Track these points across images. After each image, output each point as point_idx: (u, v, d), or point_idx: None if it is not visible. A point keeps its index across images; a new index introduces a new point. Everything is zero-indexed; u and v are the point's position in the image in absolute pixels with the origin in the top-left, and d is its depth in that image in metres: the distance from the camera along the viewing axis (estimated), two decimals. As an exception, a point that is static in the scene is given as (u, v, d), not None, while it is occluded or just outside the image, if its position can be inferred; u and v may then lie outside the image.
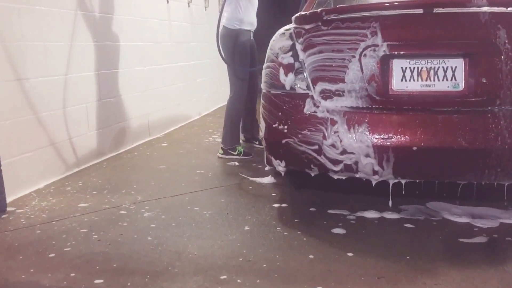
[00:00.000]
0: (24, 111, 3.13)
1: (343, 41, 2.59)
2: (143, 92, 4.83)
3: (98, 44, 4.00)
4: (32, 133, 3.21)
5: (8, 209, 2.79)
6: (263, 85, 2.83)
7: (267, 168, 3.74)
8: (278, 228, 2.50)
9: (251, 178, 3.45)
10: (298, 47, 2.68)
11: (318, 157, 2.57)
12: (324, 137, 2.54)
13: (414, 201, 2.83)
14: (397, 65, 2.52)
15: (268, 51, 2.82)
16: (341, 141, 2.50)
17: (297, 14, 2.75)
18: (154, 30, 5.11)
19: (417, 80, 2.51)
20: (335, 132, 2.52)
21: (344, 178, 2.62)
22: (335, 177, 2.63)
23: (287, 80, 2.69)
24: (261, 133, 2.83)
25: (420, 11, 2.50)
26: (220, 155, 4.21)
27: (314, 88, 2.63)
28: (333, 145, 2.53)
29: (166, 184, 3.33)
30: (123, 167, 3.82)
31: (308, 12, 2.71)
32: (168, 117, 5.44)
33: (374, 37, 2.53)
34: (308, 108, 2.61)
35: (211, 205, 2.87)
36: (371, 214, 2.66)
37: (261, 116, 2.82)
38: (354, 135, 2.49)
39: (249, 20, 4.08)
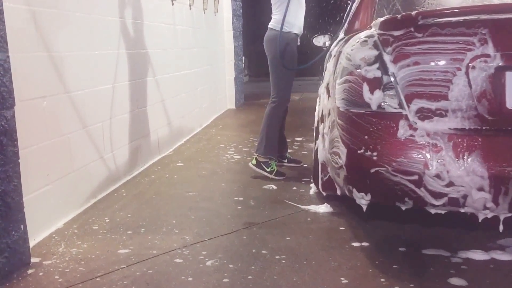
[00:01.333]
0: (43, 135, 2.58)
1: (444, 51, 2.18)
2: (152, 105, 4.30)
3: (109, 52, 3.46)
4: (50, 161, 2.65)
5: (32, 260, 2.24)
6: (340, 103, 2.38)
7: (311, 191, 3.30)
8: (382, 280, 2.05)
9: (302, 207, 3.00)
10: (387, 58, 2.25)
11: (417, 190, 2.14)
12: (426, 166, 2.11)
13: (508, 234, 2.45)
14: (510, 78, 2.13)
15: (345, 62, 2.38)
16: (448, 171, 2.09)
17: (383, 19, 2.32)
18: (161, 35, 4.58)
19: (537, 96, 2.12)
20: (439, 160, 2.10)
21: (443, 212, 2.21)
22: (433, 211, 2.22)
23: (374, 97, 2.25)
24: (339, 160, 2.37)
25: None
26: (252, 166, 3.80)
27: (408, 106, 2.20)
28: (437, 176, 2.10)
29: (208, 218, 2.83)
30: (147, 195, 3.29)
31: (398, 16, 2.28)
32: (174, 131, 4.92)
33: (484, 46, 2.13)
34: (403, 131, 2.18)
35: (279, 247, 2.40)
36: (478, 256, 2.24)
37: (339, 139, 2.37)
38: (464, 164, 2.08)
39: (298, 24, 3.72)
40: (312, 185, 3.44)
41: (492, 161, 2.06)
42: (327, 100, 2.69)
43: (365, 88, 2.28)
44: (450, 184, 2.09)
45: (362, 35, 2.38)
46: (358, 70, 2.30)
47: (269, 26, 3.80)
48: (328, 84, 2.78)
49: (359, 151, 2.25)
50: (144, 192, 3.36)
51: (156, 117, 4.37)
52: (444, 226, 2.59)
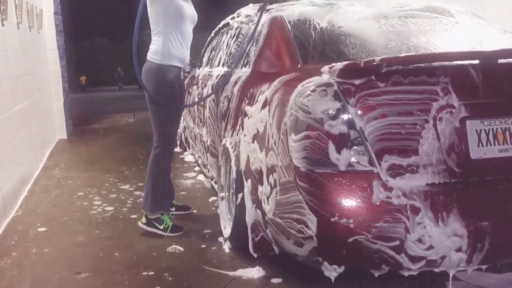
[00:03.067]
0: None
1: (411, 101, 2.02)
2: (-6, 156, 3.36)
3: None
4: None
5: None
6: (300, 162, 2.04)
7: (226, 248, 2.89)
8: None
9: (230, 273, 2.58)
10: (352, 110, 2.00)
11: (397, 256, 1.95)
12: (407, 230, 1.93)
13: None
14: (471, 127, 2.06)
15: (301, 115, 2.05)
16: (429, 235, 1.93)
17: (341, 65, 2.05)
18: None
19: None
20: (420, 223, 1.93)
21: (415, 273, 2.06)
22: (407, 274, 2.04)
23: (343, 155, 1.98)
24: (306, 230, 2.02)
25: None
26: (143, 225, 3.23)
27: (379, 163, 1.99)
28: (419, 240, 1.93)
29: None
30: (23, 285, 2.47)
31: (360, 63, 2.03)
32: (15, 182, 3.96)
33: (448, 96, 2.03)
34: (378, 192, 1.95)
35: None
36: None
37: (304, 204, 2.03)
38: (444, 225, 1.94)
39: (179, 55, 3.19)
40: (221, 239, 3.04)
41: (468, 218, 1.96)
42: (266, 154, 2.32)
43: (331, 145, 1.99)
44: (431, 247, 1.94)
45: (315, 82, 2.08)
46: (321, 125, 2.00)
47: (147, 57, 3.25)
48: (259, 135, 2.41)
49: (332, 219, 1.95)
50: (15, 284, 2.53)
51: (-2, 170, 3.42)
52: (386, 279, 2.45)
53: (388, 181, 1.98)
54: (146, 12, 3.11)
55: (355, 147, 1.99)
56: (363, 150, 1.99)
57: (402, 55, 2.11)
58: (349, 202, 1.95)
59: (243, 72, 3.02)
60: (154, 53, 3.17)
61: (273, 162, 2.26)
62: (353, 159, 1.98)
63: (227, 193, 3.17)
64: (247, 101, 2.67)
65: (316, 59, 2.51)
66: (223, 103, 3.16)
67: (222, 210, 3.15)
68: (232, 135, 2.84)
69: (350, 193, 1.96)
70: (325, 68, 2.11)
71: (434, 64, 2.05)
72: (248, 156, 2.55)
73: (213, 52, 4.34)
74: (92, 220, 3.48)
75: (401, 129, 2.00)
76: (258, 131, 2.43)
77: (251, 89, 2.67)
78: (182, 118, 5.51)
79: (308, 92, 2.07)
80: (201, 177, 4.62)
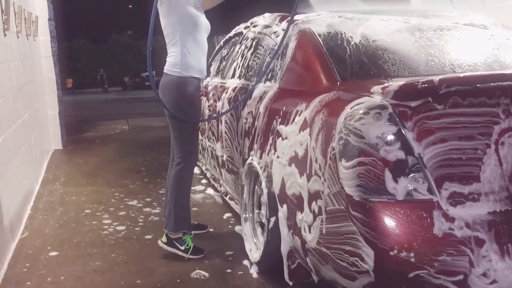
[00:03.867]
0: None
1: (471, 125, 1.89)
2: None
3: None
4: None
5: None
6: (353, 190, 1.90)
7: (253, 273, 2.75)
8: None
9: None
10: (409, 135, 1.87)
11: (458, 291, 1.82)
12: (472, 264, 1.80)
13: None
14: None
15: (353, 139, 1.91)
16: (494, 269, 1.80)
17: (397, 86, 1.92)
18: (-1, 79, 3.41)
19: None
20: (484, 256, 1.81)
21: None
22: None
23: (400, 183, 1.84)
24: (361, 263, 1.88)
25: None
26: (163, 245, 3.09)
27: (439, 192, 1.86)
28: (484, 274, 1.81)
29: None
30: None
31: (418, 83, 1.90)
32: (20, 199, 3.75)
33: (510, 118, 1.91)
34: (439, 224, 1.82)
35: None
36: None
37: (358, 236, 1.88)
38: (509, 258, 1.82)
39: (199, 66, 3.07)
40: (246, 262, 2.89)
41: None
42: (308, 180, 2.17)
43: (388, 173, 1.86)
44: (494, 281, 1.81)
45: (367, 104, 1.94)
46: (376, 151, 1.87)
47: (164, 70, 3.10)
48: (297, 158, 2.26)
49: (391, 253, 1.81)
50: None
51: (4, 191, 3.22)
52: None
53: (448, 210, 1.85)
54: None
55: (413, 174, 1.86)
56: (422, 177, 1.86)
57: (462, 75, 1.98)
58: (410, 234, 1.81)
59: (268, 87, 2.87)
60: (173, 65, 3.02)
61: (317, 188, 2.11)
62: (411, 187, 1.85)
63: (250, 214, 3.02)
64: (279, 120, 2.52)
65: (355, 76, 2.37)
66: (246, 119, 3.00)
67: (247, 232, 3.00)
68: (261, 155, 2.69)
69: (409, 224, 1.82)
70: (376, 88, 1.98)
71: (493, 84, 1.93)
72: (283, 179, 2.41)
73: (224, 62, 4.19)
74: (105, 242, 3.29)
75: (462, 155, 1.88)
76: (296, 154, 2.28)
77: (284, 107, 2.52)
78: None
79: (360, 115, 1.93)
80: (210, 191, 4.46)
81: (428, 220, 1.83)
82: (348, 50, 2.53)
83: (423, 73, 2.35)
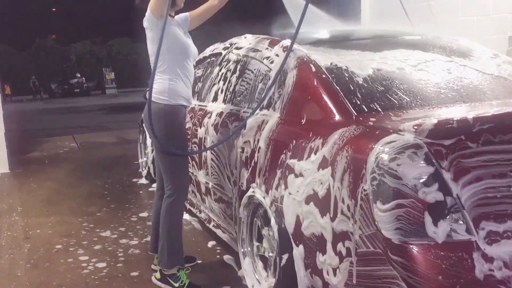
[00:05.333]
0: None
1: (503, 162, 1.89)
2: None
3: None
4: None
5: None
6: (392, 234, 1.83)
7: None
8: None
9: None
10: (446, 175, 1.84)
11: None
12: (511, 305, 1.80)
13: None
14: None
15: (390, 180, 1.84)
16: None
17: (430, 124, 1.87)
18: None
19: None
20: (523, 294, 1.81)
21: None
22: None
23: (440, 226, 1.81)
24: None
25: None
26: (157, 281, 2.96)
27: (477, 231, 1.84)
28: (524, 312, 1.81)
29: None
30: None
31: (453, 121, 1.87)
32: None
33: (537, 154, 1.93)
34: (479, 265, 1.80)
35: None
36: None
37: (400, 281, 1.82)
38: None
39: (186, 93, 2.95)
40: (249, 299, 2.77)
41: None
42: (332, 220, 2.08)
43: (427, 215, 1.81)
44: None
45: (400, 143, 1.88)
46: (415, 193, 1.82)
47: (152, 98, 2.92)
48: (317, 197, 2.17)
49: (436, 298, 1.77)
50: None
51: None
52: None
53: (485, 249, 1.83)
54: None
55: (452, 215, 1.83)
56: (461, 217, 1.83)
57: (493, 112, 1.97)
58: (452, 277, 1.77)
59: (266, 115, 2.77)
60: (160, 92, 2.87)
61: (344, 229, 2.03)
62: (450, 229, 1.82)
63: (249, 248, 2.90)
64: (289, 154, 2.41)
65: (369, 109, 2.32)
66: (242, 149, 2.87)
67: (247, 268, 2.87)
68: (267, 189, 2.57)
69: (452, 267, 1.78)
70: (407, 126, 1.93)
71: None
72: (298, 217, 2.31)
73: (200, 84, 4.03)
74: (89, 283, 3.04)
75: (496, 193, 1.88)
76: (316, 193, 2.19)
77: (293, 141, 2.42)
78: (151, 147, 5.13)
79: (395, 155, 1.87)
80: (186, 215, 4.27)
81: (469, 261, 1.80)
82: (355, 80, 2.48)
83: (434, 103, 2.34)
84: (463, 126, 1.87)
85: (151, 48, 2.90)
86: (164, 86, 2.87)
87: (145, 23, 2.87)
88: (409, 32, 3.18)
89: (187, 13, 3.09)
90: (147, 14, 2.82)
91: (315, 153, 2.23)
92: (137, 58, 32.33)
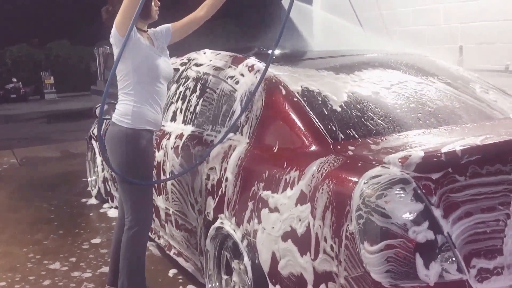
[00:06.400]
0: None
1: (491, 194, 1.82)
2: None
3: None
4: None
5: None
6: (382, 277, 1.71)
7: None
8: None
9: None
10: (436, 212, 1.74)
11: None
12: None
13: None
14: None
15: (378, 220, 1.72)
16: None
17: (417, 156, 1.76)
18: None
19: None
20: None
21: None
22: None
23: (432, 267, 1.71)
24: None
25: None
26: None
27: (468, 270, 1.76)
28: None
29: None
30: None
31: (439, 153, 1.78)
32: None
33: (524, 185, 1.87)
34: (472, 306, 1.72)
35: None
36: None
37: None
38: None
39: (154, 117, 2.74)
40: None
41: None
42: (314, 259, 1.94)
43: (418, 255, 1.70)
44: None
45: (387, 178, 1.77)
46: (405, 232, 1.71)
47: (113, 119, 2.70)
48: (296, 235, 2.02)
49: None
50: None
51: None
52: None
53: (477, 287, 1.75)
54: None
55: (443, 254, 1.73)
56: (452, 256, 1.74)
57: (482, 143, 1.88)
58: (446, 322, 1.68)
59: (233, 140, 2.60)
60: (123, 115, 2.66)
61: (327, 269, 1.89)
62: (442, 269, 1.72)
63: (217, 283, 2.71)
64: (262, 185, 2.25)
65: (345, 136, 2.19)
66: (208, 176, 2.68)
67: (217, 304, 2.69)
68: (238, 222, 2.39)
69: (444, 310, 1.69)
70: (392, 158, 1.81)
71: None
72: (274, 255, 2.14)
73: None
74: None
75: (486, 228, 1.80)
76: (294, 230, 2.03)
77: (266, 170, 2.26)
78: (101, 166, 4.82)
79: (382, 191, 1.75)
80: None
81: (462, 303, 1.72)
82: (328, 104, 2.35)
83: (411, 128, 2.25)
84: (451, 158, 1.78)
85: (118, 67, 2.66)
86: (127, 109, 2.66)
87: (111, 39, 2.63)
88: (376, 49, 3.11)
89: (169, 25, 2.86)
90: (112, 30, 2.58)
91: (292, 188, 2.08)
92: (77, 62, 31.12)
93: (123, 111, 2.64)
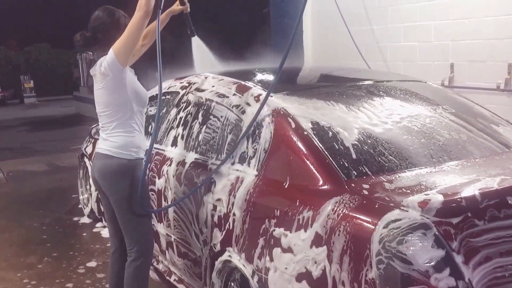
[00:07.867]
0: None
1: (509, 238, 1.83)
2: None
3: None
4: None
5: None
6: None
7: None
8: None
9: None
10: (457, 258, 1.74)
11: None
12: None
13: None
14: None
15: (400, 266, 1.72)
16: None
17: (435, 202, 1.76)
18: None
19: None
20: None
21: None
22: None
23: (454, 315, 1.71)
24: None
25: None
26: None
27: (487, 315, 1.76)
28: None
29: None
30: None
31: (459, 197, 1.78)
32: None
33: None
34: None
35: None
36: None
37: None
38: None
39: (144, 145, 2.80)
40: None
41: None
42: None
43: (441, 304, 1.70)
44: None
45: (407, 222, 1.76)
46: (427, 279, 1.70)
47: (104, 152, 2.66)
48: (311, 277, 2.00)
49: None
50: None
51: None
52: None
53: (495, 332, 1.76)
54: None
55: (464, 300, 1.73)
56: (473, 302, 1.74)
57: (499, 186, 1.88)
58: None
59: (240, 171, 2.57)
60: (121, 147, 2.65)
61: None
62: (464, 316, 1.72)
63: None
64: (274, 222, 2.23)
65: (358, 173, 2.19)
66: (214, 206, 2.65)
67: (224, 337, 2.65)
68: (247, 257, 2.37)
69: None
70: (411, 202, 1.81)
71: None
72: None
73: (153, 123, 3.73)
74: None
75: (504, 272, 1.81)
76: (309, 272, 2.01)
77: (278, 207, 2.24)
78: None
79: (403, 236, 1.75)
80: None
81: None
82: (338, 138, 2.34)
83: (423, 164, 2.25)
84: (470, 203, 1.79)
85: (106, 98, 2.62)
86: (125, 140, 2.65)
87: (104, 68, 2.54)
88: (383, 77, 3.12)
89: None
90: (110, 58, 2.51)
91: (306, 229, 2.06)
92: (57, 66, 30.70)
93: (121, 143, 2.63)
